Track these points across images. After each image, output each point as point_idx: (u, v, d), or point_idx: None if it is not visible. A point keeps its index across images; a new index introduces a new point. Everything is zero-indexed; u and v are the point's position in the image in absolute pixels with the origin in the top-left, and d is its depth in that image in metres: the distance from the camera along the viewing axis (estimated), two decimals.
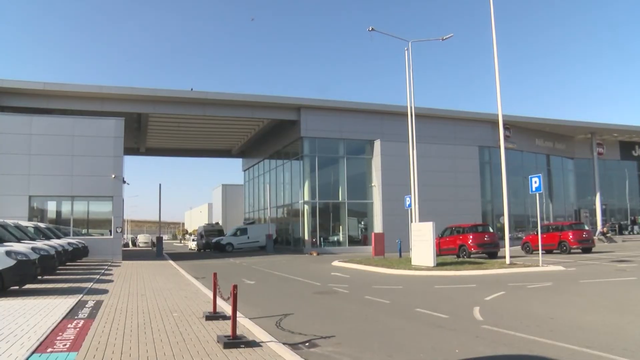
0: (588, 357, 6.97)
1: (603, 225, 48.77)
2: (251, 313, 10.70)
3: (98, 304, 11.60)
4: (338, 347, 7.80)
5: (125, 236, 68.68)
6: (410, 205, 26.15)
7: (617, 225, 53.85)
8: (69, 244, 21.51)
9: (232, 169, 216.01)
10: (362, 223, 42.39)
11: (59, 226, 28.11)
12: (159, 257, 35.16)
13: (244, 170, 61.59)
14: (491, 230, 30.01)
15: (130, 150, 50.99)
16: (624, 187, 57.77)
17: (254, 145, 53.19)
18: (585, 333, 8.54)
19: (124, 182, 31.82)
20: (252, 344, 7.52)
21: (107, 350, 7.07)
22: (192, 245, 55.85)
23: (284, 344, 7.72)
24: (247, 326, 8.97)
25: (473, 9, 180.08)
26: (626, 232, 54.03)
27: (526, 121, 46.03)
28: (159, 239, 39.53)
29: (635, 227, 56.39)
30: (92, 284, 16.12)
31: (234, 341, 7.43)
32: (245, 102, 38.20)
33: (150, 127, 44.25)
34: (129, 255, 35.17)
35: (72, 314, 10.16)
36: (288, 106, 39.55)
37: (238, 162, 63.85)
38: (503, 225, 24.77)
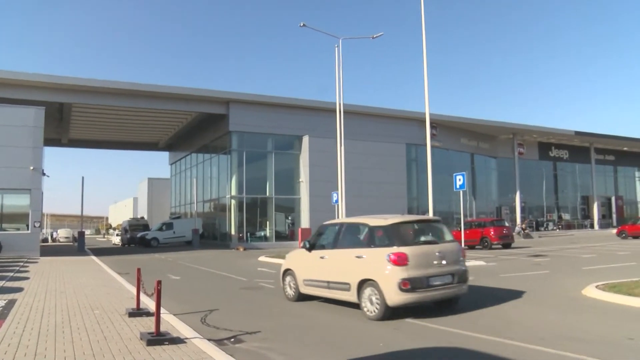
0: (506, 347, 7.21)
1: (522, 221, 50.76)
2: (176, 309, 10.55)
3: (10, 303, 11.08)
4: (264, 343, 7.79)
5: (44, 231, 66.16)
6: (337, 201, 26.37)
7: (534, 222, 56.38)
8: None
9: (158, 162, 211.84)
10: (290, 218, 42.43)
11: None
12: (81, 252, 34.14)
13: (171, 164, 60.51)
14: None
15: (51, 141, 49.01)
16: (542, 185, 60.34)
17: (182, 138, 52.26)
18: (503, 324, 8.84)
19: (44, 174, 30.60)
20: (177, 340, 7.40)
21: (18, 353, 6.74)
22: (116, 240, 54.53)
23: (209, 340, 7.65)
24: (172, 322, 8.83)
25: (406, 10, 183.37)
26: (542, 229, 56.65)
27: (452, 120, 47.16)
28: (81, 234, 38.39)
29: (550, 224, 59.19)
30: (4, 282, 15.41)
31: (158, 338, 7.29)
32: (174, 94, 37.39)
33: (73, 118, 42.57)
34: (47, 251, 33.85)
35: None
36: (217, 100, 39.01)
37: (165, 155, 62.69)
38: None
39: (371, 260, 9.81)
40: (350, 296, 10.19)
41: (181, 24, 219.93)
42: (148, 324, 8.52)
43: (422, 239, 10.35)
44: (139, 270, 9.54)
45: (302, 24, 25.75)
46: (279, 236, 41.16)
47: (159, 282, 7.40)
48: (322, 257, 11.08)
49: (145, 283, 9.18)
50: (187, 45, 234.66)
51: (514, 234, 35.09)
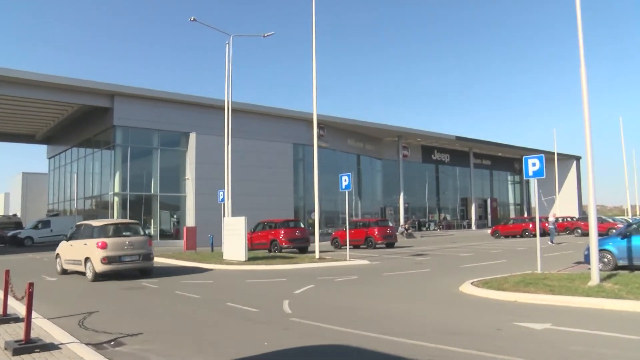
0: (385, 342, 7.42)
1: (405, 222, 52.61)
2: (51, 313, 9.94)
3: None
4: (146, 345, 7.56)
5: None
6: (223, 199, 26.03)
7: (417, 222, 58.65)
8: None
9: (35, 156, 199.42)
10: (175, 217, 41.54)
11: None
12: None
13: (49, 158, 57.27)
14: (302, 225, 30.87)
15: None
16: (424, 187, 62.94)
17: (62, 131, 49.56)
18: (385, 321, 9.11)
19: None
20: (50, 347, 6.92)
21: None
22: None
23: (86, 344, 7.29)
24: (45, 327, 8.30)
25: (299, 11, 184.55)
26: (424, 229, 59.09)
27: (339, 122, 48.00)
28: None
29: (432, 224, 61.96)
30: None
31: (27, 346, 6.73)
32: (53, 84, 35.25)
33: None
34: None
35: None
36: (100, 92, 37.31)
37: (42, 148, 59.23)
38: (314, 220, 25.57)
39: (90, 246, 16.30)
40: (82, 268, 16.79)
41: (65, 13, 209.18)
42: (17, 331, 7.88)
43: (123, 233, 17.05)
44: (7, 271, 8.79)
45: (192, 19, 25.23)
46: (164, 235, 40.09)
47: (31, 284, 6.88)
48: (71, 245, 17.77)
49: (15, 286, 8.48)
50: (70, 37, 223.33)
51: (397, 233, 36.32)
